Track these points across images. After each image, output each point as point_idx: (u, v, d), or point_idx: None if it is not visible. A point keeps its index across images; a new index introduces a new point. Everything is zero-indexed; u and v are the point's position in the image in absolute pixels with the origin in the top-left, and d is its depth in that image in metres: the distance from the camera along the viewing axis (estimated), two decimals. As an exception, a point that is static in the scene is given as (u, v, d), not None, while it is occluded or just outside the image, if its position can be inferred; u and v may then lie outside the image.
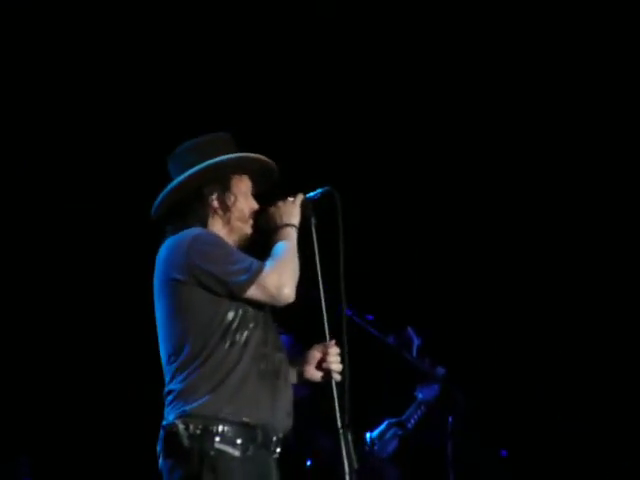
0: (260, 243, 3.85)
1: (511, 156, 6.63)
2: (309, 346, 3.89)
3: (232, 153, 3.82)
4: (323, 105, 6.41)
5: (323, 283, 3.77)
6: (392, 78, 6.48)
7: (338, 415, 3.71)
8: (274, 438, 3.66)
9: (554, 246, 6.69)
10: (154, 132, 6.03)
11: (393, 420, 5.56)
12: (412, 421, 5.56)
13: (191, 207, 3.79)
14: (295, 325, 4.77)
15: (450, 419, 5.22)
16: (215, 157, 3.77)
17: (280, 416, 3.68)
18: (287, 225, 3.78)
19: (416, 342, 5.34)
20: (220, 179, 3.81)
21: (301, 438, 4.83)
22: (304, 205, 3.86)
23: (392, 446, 5.51)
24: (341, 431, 3.69)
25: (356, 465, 3.69)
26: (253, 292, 3.61)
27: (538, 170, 6.66)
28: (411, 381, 5.56)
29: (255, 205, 3.87)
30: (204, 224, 3.78)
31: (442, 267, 6.72)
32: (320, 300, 3.79)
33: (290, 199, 3.85)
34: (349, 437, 3.70)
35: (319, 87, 6.38)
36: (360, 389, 3.87)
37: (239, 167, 3.85)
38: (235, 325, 3.63)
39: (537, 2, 6.21)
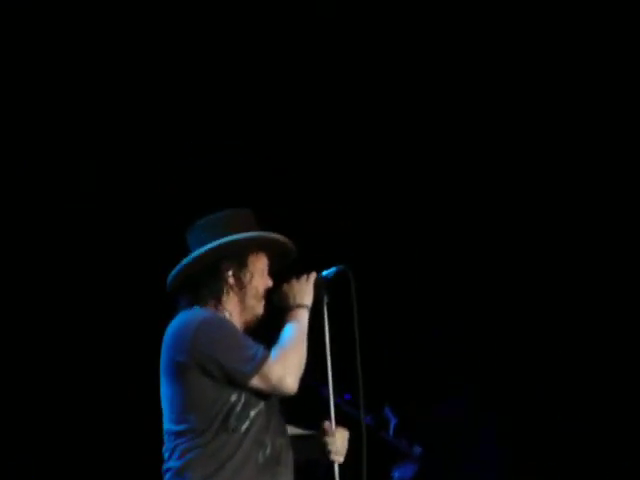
0: (273, 320, 3.78)
1: (513, 176, 6.64)
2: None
3: (252, 230, 3.80)
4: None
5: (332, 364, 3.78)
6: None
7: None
8: None
9: (552, 250, 6.67)
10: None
11: None
12: None
13: (206, 281, 3.75)
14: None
15: None
16: (235, 233, 3.74)
17: None
18: (299, 306, 3.75)
19: (393, 421, 5.31)
20: (237, 256, 3.76)
21: None
22: (318, 284, 3.82)
23: None
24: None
25: None
26: (256, 382, 3.58)
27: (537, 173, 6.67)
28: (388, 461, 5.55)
29: (270, 283, 3.83)
30: (218, 299, 3.74)
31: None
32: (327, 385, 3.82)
33: (304, 277, 3.81)
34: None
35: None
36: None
37: (257, 245, 3.82)
38: (237, 411, 3.58)
39: (537, 2, 6.19)
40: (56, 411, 6.15)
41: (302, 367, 3.63)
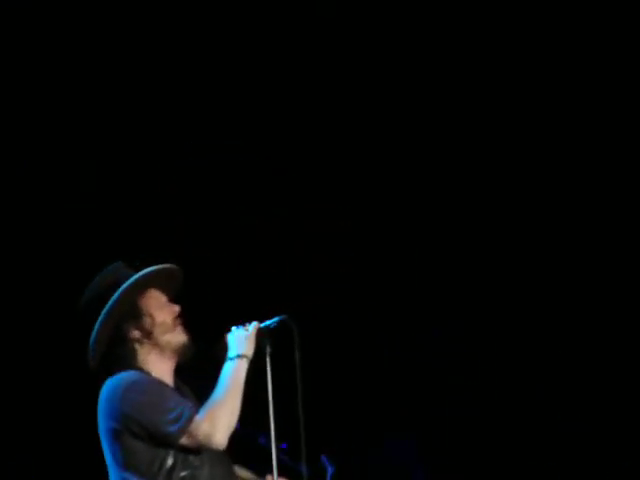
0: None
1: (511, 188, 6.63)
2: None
3: (125, 276, 3.78)
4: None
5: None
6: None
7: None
8: None
9: (550, 252, 6.67)
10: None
11: None
12: None
13: (119, 349, 3.76)
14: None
15: None
16: (111, 293, 3.73)
17: None
18: (238, 356, 3.73)
19: (330, 470, 5.27)
20: (128, 310, 3.76)
21: None
22: (260, 334, 3.80)
23: None
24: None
25: None
26: (184, 442, 3.57)
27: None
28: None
29: (175, 308, 3.82)
30: (136, 359, 3.74)
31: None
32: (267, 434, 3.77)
33: (245, 327, 3.80)
34: None
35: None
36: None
37: (138, 286, 3.79)
38: (178, 468, 3.58)
39: (537, 2, 6.16)
40: (55, 411, 6.14)
41: (233, 421, 3.62)
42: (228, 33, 6.10)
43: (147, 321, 3.76)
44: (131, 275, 3.79)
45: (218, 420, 3.58)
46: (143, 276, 3.78)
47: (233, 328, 3.81)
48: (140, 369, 3.72)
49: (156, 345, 3.75)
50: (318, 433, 5.82)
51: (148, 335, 3.74)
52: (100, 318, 3.72)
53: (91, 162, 6.17)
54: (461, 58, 6.32)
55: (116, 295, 3.73)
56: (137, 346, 3.74)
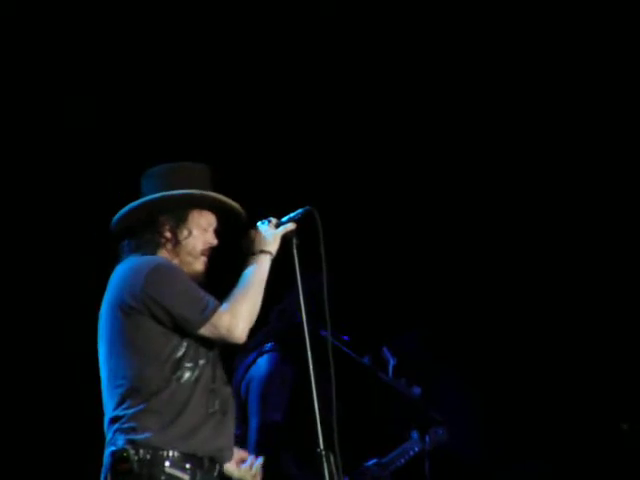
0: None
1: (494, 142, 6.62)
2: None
3: (202, 187, 3.80)
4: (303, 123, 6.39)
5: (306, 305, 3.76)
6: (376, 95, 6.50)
7: (320, 437, 3.69)
8: (217, 466, 3.70)
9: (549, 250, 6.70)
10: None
11: (374, 461, 5.44)
12: (398, 464, 5.40)
13: (144, 231, 3.78)
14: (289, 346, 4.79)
15: (427, 439, 5.19)
16: (180, 188, 3.76)
17: (224, 450, 3.73)
18: (262, 251, 3.77)
19: (392, 362, 5.27)
20: (177, 211, 3.79)
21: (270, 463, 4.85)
22: (284, 228, 3.82)
23: None
24: (323, 453, 3.68)
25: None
26: (204, 331, 3.62)
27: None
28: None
29: (214, 241, 3.84)
30: (154, 251, 3.77)
31: (423, 284, 6.67)
32: (302, 322, 3.78)
33: (271, 223, 3.83)
34: (331, 459, 3.70)
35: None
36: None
37: (200, 202, 3.82)
38: (187, 360, 3.64)
39: (537, 2, 6.18)
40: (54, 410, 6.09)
41: (254, 315, 3.67)
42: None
43: (183, 232, 3.78)
44: (203, 188, 3.80)
45: (240, 314, 3.62)
46: (210, 197, 3.81)
47: (258, 223, 3.85)
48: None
49: (176, 257, 3.78)
50: (380, 326, 5.93)
51: (176, 243, 3.77)
52: (148, 198, 3.75)
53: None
54: (459, 54, 6.35)
55: (181, 192, 3.75)
56: (161, 242, 3.76)
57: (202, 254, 3.81)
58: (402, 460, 5.40)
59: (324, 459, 3.70)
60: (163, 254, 3.77)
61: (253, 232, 3.82)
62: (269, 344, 4.98)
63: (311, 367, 3.75)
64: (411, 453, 5.43)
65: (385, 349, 5.31)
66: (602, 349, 6.53)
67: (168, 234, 3.77)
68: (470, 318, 6.62)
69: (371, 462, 5.37)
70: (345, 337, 4.96)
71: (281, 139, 6.28)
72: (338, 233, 4.14)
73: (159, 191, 3.76)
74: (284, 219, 3.87)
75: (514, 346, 6.59)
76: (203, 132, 6.04)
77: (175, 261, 3.77)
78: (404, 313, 6.49)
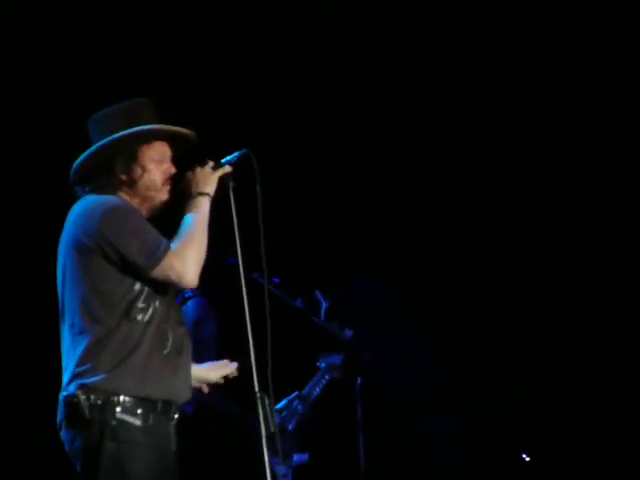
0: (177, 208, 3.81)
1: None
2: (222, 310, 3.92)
3: (146, 121, 3.78)
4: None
5: (241, 247, 3.77)
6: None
7: (255, 380, 3.73)
8: (173, 407, 3.71)
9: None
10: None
11: (295, 394, 5.57)
12: (314, 393, 5.59)
13: (101, 176, 3.76)
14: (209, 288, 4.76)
15: (359, 381, 5.28)
16: (125, 127, 3.73)
17: (181, 390, 3.74)
18: (201, 194, 3.77)
19: (324, 305, 5.33)
20: (127, 151, 3.76)
21: (206, 404, 4.90)
22: (221, 170, 3.82)
23: (294, 421, 5.55)
24: (258, 395, 3.72)
25: (273, 429, 3.73)
26: (156, 275, 3.61)
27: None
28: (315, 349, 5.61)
29: (172, 170, 3.83)
30: (114, 193, 3.75)
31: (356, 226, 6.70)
32: (237, 265, 3.79)
33: (208, 165, 3.82)
34: (266, 401, 3.74)
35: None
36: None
37: (149, 135, 3.80)
38: (139, 301, 3.64)
39: (537, 2, 6.24)
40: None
41: (202, 258, 3.67)
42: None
43: (137, 171, 3.77)
44: (148, 122, 3.78)
45: (189, 257, 3.63)
46: (156, 130, 3.80)
47: (195, 166, 3.83)
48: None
49: (136, 196, 3.77)
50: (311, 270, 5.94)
51: (132, 183, 3.76)
52: (100, 143, 3.73)
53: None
54: (458, 50, 6.41)
55: (129, 131, 3.73)
56: (118, 185, 3.76)
57: (163, 184, 3.80)
58: (318, 389, 5.56)
59: (259, 401, 3.74)
60: (122, 195, 3.76)
61: (190, 174, 3.81)
62: (188, 291, 5.00)
63: (247, 310, 3.75)
64: (323, 382, 5.60)
65: (317, 292, 5.36)
66: (582, 289, 6.62)
67: (123, 176, 3.76)
68: (425, 258, 6.67)
69: (293, 395, 5.52)
70: (276, 280, 4.98)
71: (220, 80, 6.25)
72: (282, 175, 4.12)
73: (106, 135, 3.74)
74: (222, 161, 3.85)
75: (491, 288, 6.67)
76: (144, 71, 6.00)
77: (136, 200, 3.77)
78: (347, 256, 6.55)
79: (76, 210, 3.70)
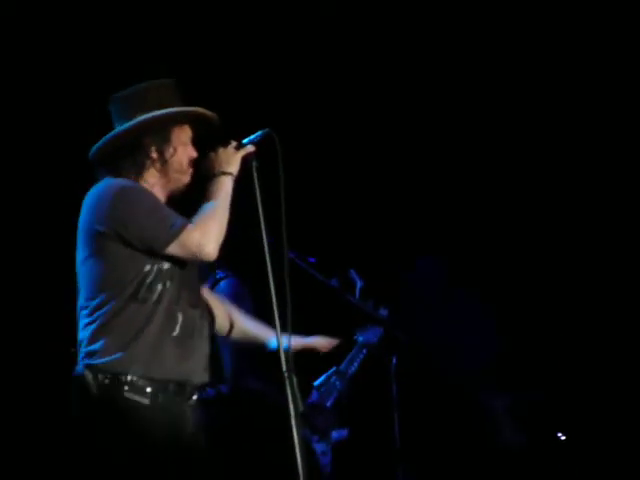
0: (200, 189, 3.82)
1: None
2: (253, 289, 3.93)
3: (175, 102, 3.80)
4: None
5: (266, 227, 3.75)
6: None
7: (283, 359, 3.73)
8: (188, 388, 3.71)
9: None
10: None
11: (333, 369, 5.57)
12: (352, 369, 5.57)
13: (129, 155, 3.77)
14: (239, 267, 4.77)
15: (394, 360, 5.23)
16: (157, 108, 3.75)
17: (195, 372, 3.74)
18: (223, 173, 3.77)
19: (359, 284, 5.30)
20: (161, 131, 3.79)
21: (241, 384, 4.92)
22: (244, 149, 3.82)
23: (333, 396, 5.53)
24: (286, 374, 3.71)
25: (302, 408, 3.73)
26: (173, 249, 3.62)
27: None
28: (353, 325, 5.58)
29: (194, 153, 3.85)
30: (139, 173, 3.78)
31: (386, 206, 6.66)
32: (262, 244, 3.77)
33: (231, 145, 3.82)
34: (294, 380, 3.73)
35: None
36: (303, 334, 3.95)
37: (180, 118, 3.83)
38: (149, 281, 3.65)
39: (537, 2, 6.22)
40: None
41: (222, 234, 3.67)
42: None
43: (169, 151, 3.79)
44: (178, 103, 3.81)
45: (210, 230, 3.63)
46: (192, 112, 3.82)
47: (218, 146, 3.84)
48: (137, 180, 3.77)
49: (164, 175, 3.80)
50: (347, 248, 5.93)
51: (163, 162, 3.78)
52: (134, 121, 3.74)
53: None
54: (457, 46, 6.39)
55: (167, 111, 3.75)
56: (148, 163, 3.77)
57: (189, 167, 3.83)
58: (355, 364, 5.54)
59: (287, 381, 3.74)
60: (151, 175, 3.78)
61: (213, 154, 3.82)
62: (220, 272, 5.02)
63: (273, 290, 3.74)
64: (361, 356, 5.61)
65: (352, 271, 5.34)
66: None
67: (155, 154, 3.78)
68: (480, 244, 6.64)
69: (331, 371, 5.52)
70: (311, 259, 4.97)
71: (243, 62, 6.26)
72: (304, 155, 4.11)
73: (133, 114, 3.75)
74: (244, 141, 3.86)
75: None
76: (167, 53, 6.00)
77: (162, 180, 3.79)
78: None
79: (89, 196, 3.73)
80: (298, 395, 3.74)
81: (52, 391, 4.60)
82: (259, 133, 3.84)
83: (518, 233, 6.62)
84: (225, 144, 3.84)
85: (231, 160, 3.79)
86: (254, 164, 3.82)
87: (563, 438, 5.43)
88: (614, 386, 6.32)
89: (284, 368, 3.72)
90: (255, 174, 3.82)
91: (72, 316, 3.75)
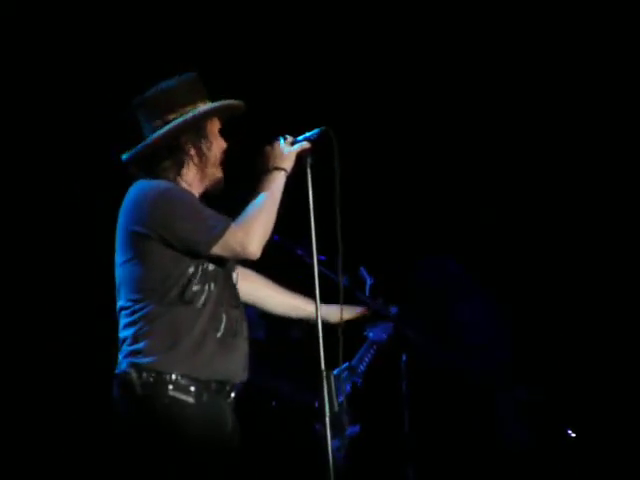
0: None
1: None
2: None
3: (203, 96, 3.79)
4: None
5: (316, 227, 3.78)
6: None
7: (322, 358, 3.71)
8: (227, 387, 3.71)
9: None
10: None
11: (345, 365, 5.60)
12: (363, 364, 5.63)
13: (168, 156, 3.74)
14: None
15: (404, 358, 5.30)
16: (189, 105, 3.74)
17: (236, 371, 3.74)
18: (276, 168, 3.74)
19: (369, 282, 5.33)
20: (196, 128, 3.76)
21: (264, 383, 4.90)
22: (299, 146, 3.80)
23: (345, 392, 5.57)
24: (324, 374, 3.71)
25: (336, 408, 3.73)
26: (217, 250, 3.60)
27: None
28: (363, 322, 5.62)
29: (224, 144, 3.84)
30: (178, 172, 3.74)
31: (398, 204, 6.69)
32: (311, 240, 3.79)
33: (287, 140, 3.80)
34: (332, 380, 3.73)
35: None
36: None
37: (213, 111, 3.80)
38: (193, 283, 3.62)
39: (537, 2, 6.25)
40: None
41: (267, 232, 3.65)
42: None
43: (206, 145, 3.76)
44: (203, 96, 3.78)
45: (253, 230, 3.60)
46: (229, 105, 3.80)
47: (274, 141, 3.80)
48: (175, 181, 3.74)
49: (202, 170, 3.77)
50: (357, 246, 5.96)
51: (201, 158, 3.75)
52: (175, 122, 3.70)
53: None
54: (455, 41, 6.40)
55: (204, 108, 3.73)
56: (187, 161, 3.74)
57: (221, 161, 3.81)
58: (366, 359, 5.58)
59: (325, 380, 3.73)
60: (190, 171, 3.75)
61: (268, 149, 3.79)
62: None
63: (317, 291, 3.80)
64: (372, 351, 5.64)
65: (362, 269, 5.35)
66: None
67: (193, 151, 3.74)
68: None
69: (343, 366, 5.50)
70: (322, 257, 4.96)
71: (300, 59, 6.23)
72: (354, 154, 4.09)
73: (166, 115, 3.72)
74: (300, 138, 3.83)
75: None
76: (220, 51, 6.02)
77: (199, 176, 3.76)
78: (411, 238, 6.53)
79: (128, 197, 3.69)
80: (335, 394, 3.75)
81: (93, 389, 4.47)
82: (316, 130, 3.81)
83: (531, 232, 6.64)
84: (279, 139, 3.81)
85: (286, 156, 3.75)
86: (309, 161, 3.80)
87: (573, 435, 5.57)
88: (625, 384, 6.40)
89: (322, 366, 3.71)
90: (309, 171, 3.79)
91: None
